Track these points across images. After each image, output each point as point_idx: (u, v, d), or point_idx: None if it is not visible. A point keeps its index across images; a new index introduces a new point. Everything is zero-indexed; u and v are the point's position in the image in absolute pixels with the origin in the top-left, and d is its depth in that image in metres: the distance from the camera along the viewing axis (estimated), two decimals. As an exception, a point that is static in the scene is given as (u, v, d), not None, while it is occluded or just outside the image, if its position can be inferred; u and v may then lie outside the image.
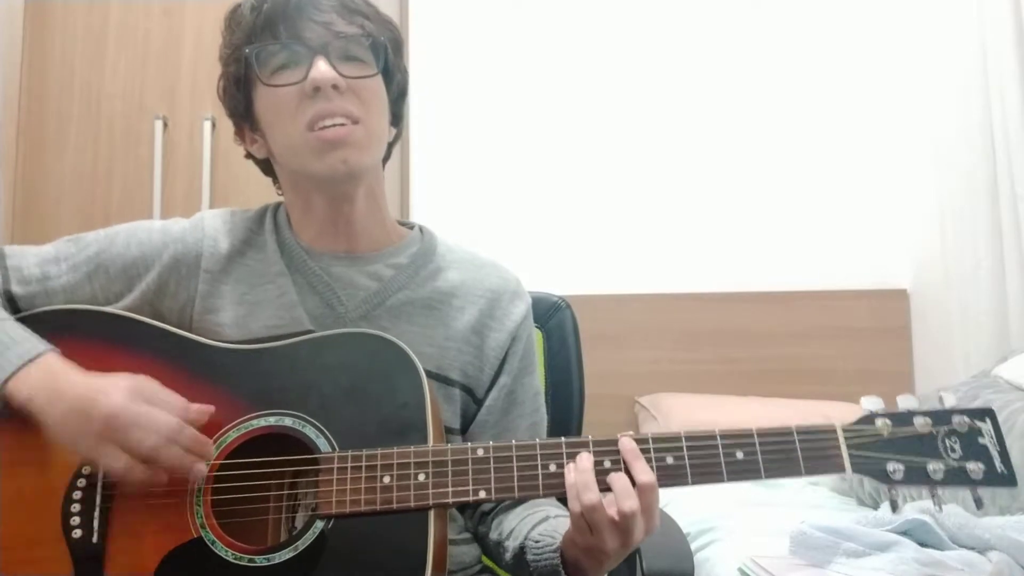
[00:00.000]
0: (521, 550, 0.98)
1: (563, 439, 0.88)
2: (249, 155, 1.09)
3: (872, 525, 1.39)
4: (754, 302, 2.73)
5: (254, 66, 0.98)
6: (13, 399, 0.88)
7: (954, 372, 2.35)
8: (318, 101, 0.96)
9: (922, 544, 1.35)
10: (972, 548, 1.34)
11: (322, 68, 0.95)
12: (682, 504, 1.86)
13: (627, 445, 0.86)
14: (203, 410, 0.90)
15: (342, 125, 0.96)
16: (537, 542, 0.96)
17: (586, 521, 0.84)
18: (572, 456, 0.86)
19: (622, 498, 0.83)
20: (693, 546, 1.55)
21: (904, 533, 1.36)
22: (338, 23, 0.98)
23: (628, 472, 0.84)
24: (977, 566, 1.28)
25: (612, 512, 0.83)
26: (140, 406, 0.86)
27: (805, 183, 2.79)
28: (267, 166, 1.09)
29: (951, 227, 2.46)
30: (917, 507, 1.43)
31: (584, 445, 0.87)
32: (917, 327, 2.74)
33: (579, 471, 0.84)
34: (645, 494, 0.83)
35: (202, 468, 0.87)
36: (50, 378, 0.88)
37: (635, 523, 0.83)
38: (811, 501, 1.99)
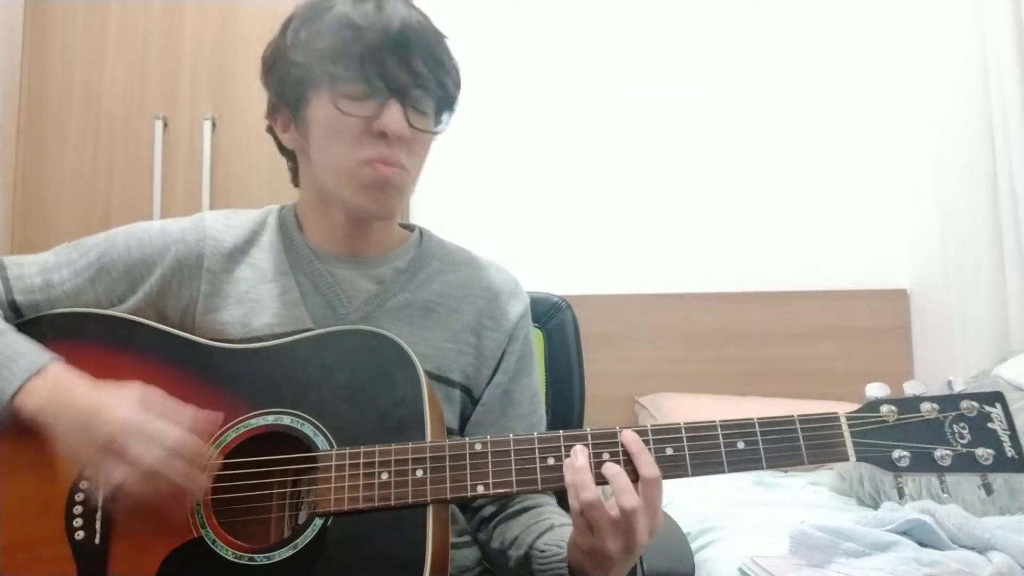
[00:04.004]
0: (526, 559, 0.97)
1: (561, 432, 0.88)
2: (271, 132, 1.07)
3: (872, 525, 1.39)
4: (754, 302, 2.73)
5: (332, 85, 0.96)
6: (22, 412, 0.88)
7: (954, 372, 2.31)
8: (380, 145, 0.96)
9: (922, 544, 1.35)
10: (972, 548, 1.34)
11: (396, 117, 0.95)
12: (682, 504, 1.86)
13: (631, 438, 0.85)
14: (210, 419, 0.89)
15: (394, 167, 0.97)
16: (543, 552, 0.95)
17: (586, 520, 0.83)
18: (570, 449, 0.85)
19: (622, 495, 0.82)
20: (693, 546, 1.55)
21: (904, 533, 1.36)
22: (425, 75, 0.97)
23: (633, 466, 0.84)
24: (977, 566, 1.28)
25: (613, 512, 0.82)
26: (144, 419, 0.85)
27: (805, 183, 2.79)
28: (287, 153, 1.08)
29: (951, 227, 2.46)
30: (918, 507, 1.43)
31: (582, 437, 0.86)
32: (917, 327, 2.74)
33: (575, 471, 0.83)
34: (649, 489, 0.83)
35: (203, 482, 0.87)
36: (57, 391, 0.89)
37: (637, 521, 0.82)
38: (811, 501, 1.99)
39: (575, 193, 2.77)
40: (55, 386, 0.89)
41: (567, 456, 0.85)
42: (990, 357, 2.21)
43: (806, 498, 2.02)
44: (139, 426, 0.85)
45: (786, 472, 2.34)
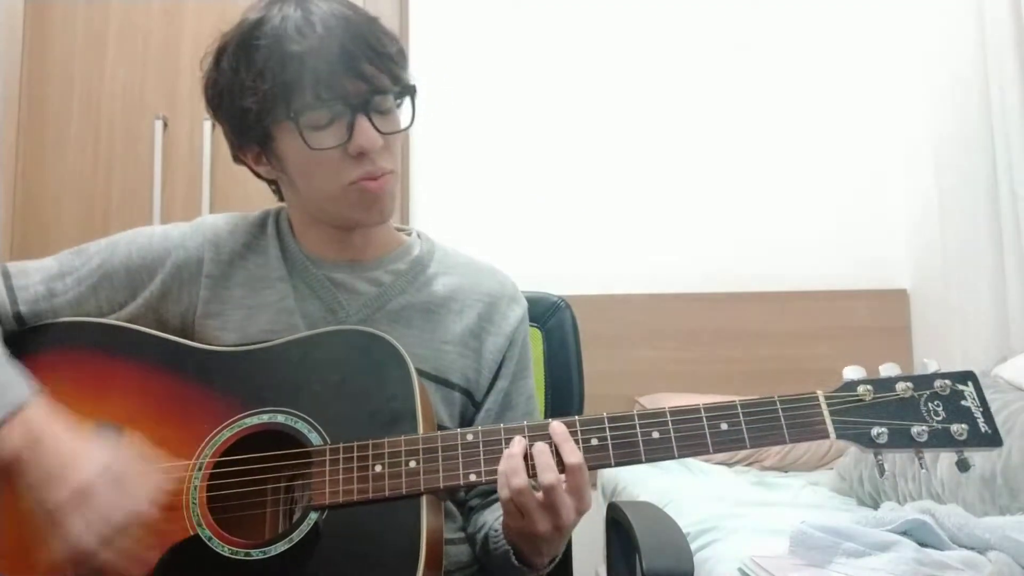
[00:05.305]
0: (485, 540, 1.01)
1: (551, 421, 0.89)
2: (240, 162, 1.06)
3: (872, 525, 1.39)
4: (754, 302, 2.73)
5: (297, 126, 0.93)
6: None
7: (954, 372, 2.34)
8: (363, 163, 0.95)
9: (922, 544, 1.35)
10: (972, 548, 1.34)
11: (369, 133, 0.94)
12: (682, 504, 1.86)
13: (557, 429, 0.88)
14: (178, 474, 0.89)
15: (380, 177, 0.97)
16: (496, 531, 0.98)
17: (515, 505, 0.86)
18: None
19: (541, 471, 0.85)
20: (693, 546, 1.55)
21: (904, 533, 1.36)
22: (376, 76, 0.95)
23: (559, 455, 0.86)
24: (977, 566, 1.28)
25: (539, 494, 0.85)
26: (99, 488, 0.83)
27: (805, 183, 2.79)
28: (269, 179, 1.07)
29: (951, 227, 2.46)
30: (918, 507, 1.43)
31: (570, 425, 0.89)
32: (917, 327, 2.74)
33: (508, 456, 0.86)
34: (573, 474, 0.85)
35: (147, 559, 0.85)
36: (30, 439, 0.86)
37: (559, 499, 0.84)
38: (811, 501, 1.99)
39: (574, 193, 2.77)
40: (29, 432, 0.86)
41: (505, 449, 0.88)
42: (990, 357, 2.21)
43: (806, 498, 2.02)
44: (88, 497, 0.83)
45: (786, 472, 2.34)
